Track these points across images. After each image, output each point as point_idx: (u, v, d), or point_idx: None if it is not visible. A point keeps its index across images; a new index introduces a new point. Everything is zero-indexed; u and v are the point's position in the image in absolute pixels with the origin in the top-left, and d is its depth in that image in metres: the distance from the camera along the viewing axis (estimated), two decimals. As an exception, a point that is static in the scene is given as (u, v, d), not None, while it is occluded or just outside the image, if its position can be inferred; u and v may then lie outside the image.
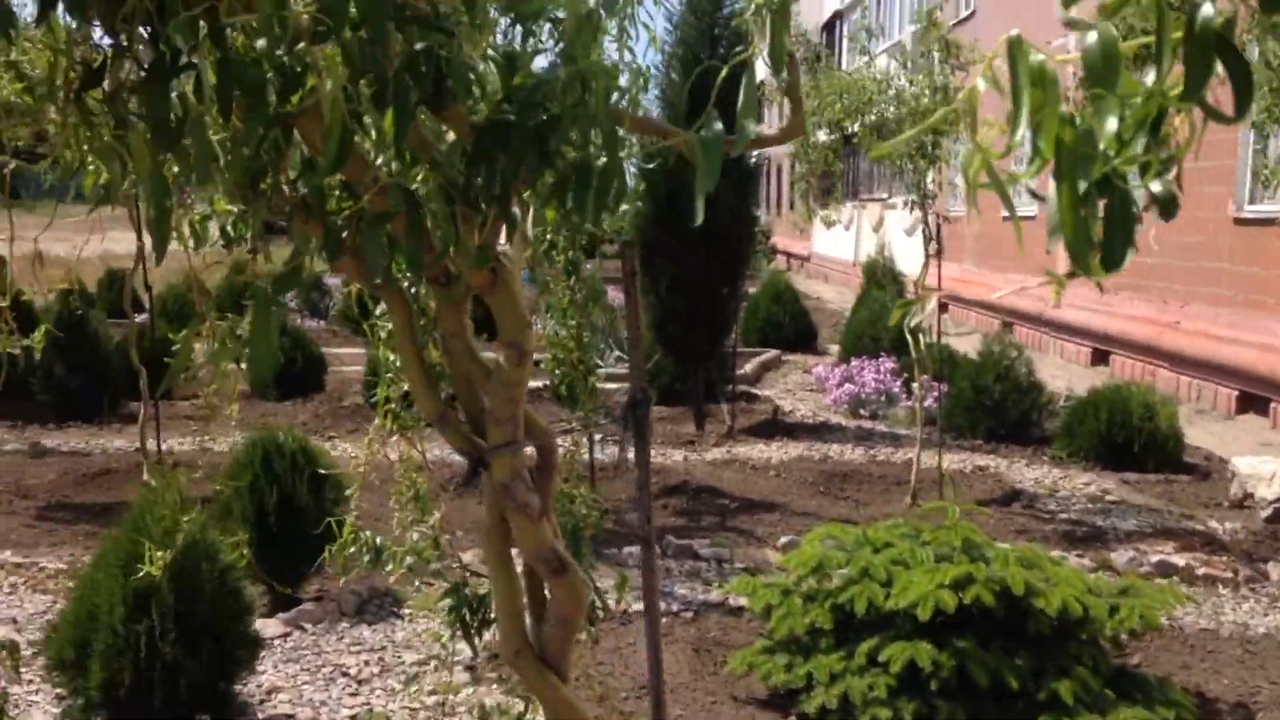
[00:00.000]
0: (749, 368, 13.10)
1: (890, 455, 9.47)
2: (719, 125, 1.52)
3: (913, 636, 4.38)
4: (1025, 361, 10.07)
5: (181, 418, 10.36)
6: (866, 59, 8.24)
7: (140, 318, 9.26)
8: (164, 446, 8.21)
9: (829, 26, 29.89)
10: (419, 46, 1.57)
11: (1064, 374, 13.26)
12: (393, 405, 2.83)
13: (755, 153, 11.31)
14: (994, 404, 9.90)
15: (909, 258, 19.20)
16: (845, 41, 26.38)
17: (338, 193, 1.89)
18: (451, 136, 1.84)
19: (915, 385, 10.61)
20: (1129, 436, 8.83)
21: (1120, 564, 6.40)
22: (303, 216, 1.88)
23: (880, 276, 15.56)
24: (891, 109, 7.03)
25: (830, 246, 28.09)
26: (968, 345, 12.65)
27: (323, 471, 5.99)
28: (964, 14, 19.03)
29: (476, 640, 3.02)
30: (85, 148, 1.79)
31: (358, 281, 2.03)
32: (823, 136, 8.57)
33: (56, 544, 6.78)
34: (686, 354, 10.53)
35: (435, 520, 2.68)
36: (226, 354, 1.73)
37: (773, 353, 14.57)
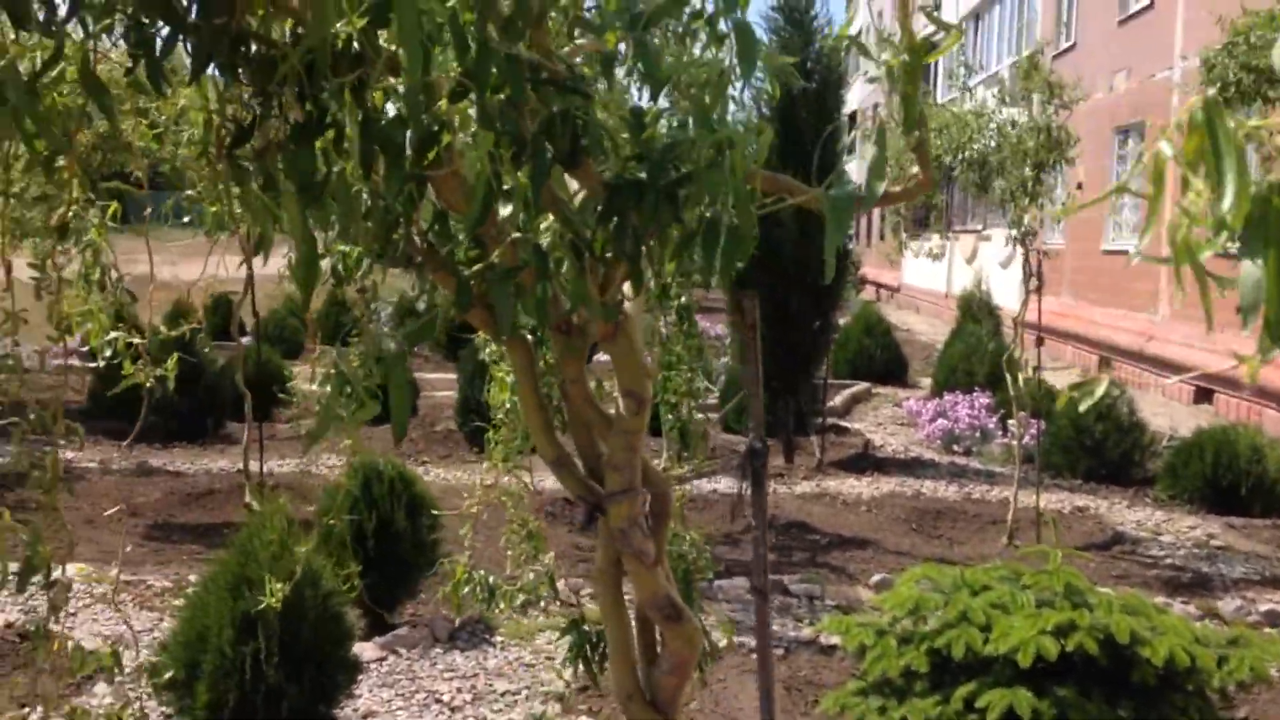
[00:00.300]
0: (839, 400, 13.00)
1: (985, 493, 9.31)
2: (850, 185, 1.53)
3: (1012, 683, 4.29)
4: (1127, 400, 9.84)
5: (281, 439, 10.63)
6: (964, 92, 8.16)
7: (244, 340, 9.53)
8: (265, 468, 8.43)
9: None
10: (556, 109, 1.61)
11: (1165, 412, 12.91)
12: (503, 443, 2.88)
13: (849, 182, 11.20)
14: (1094, 443, 9.68)
15: (1005, 290, 18.91)
16: (940, 74, 26.18)
17: (465, 243, 1.94)
18: (571, 186, 1.89)
19: (1012, 421, 10.44)
20: (1236, 479, 8.56)
21: (1227, 612, 6.20)
22: (433, 266, 1.94)
23: (976, 310, 15.33)
24: (993, 142, 6.95)
25: (921, 277, 27.78)
26: (1065, 381, 12.40)
27: (422, 502, 6.09)
28: (1064, 46, 18.75)
29: (574, 672, 3.04)
30: (235, 202, 1.86)
31: (484, 330, 2.08)
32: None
33: (162, 563, 6.98)
34: (777, 386, 10.49)
35: (549, 559, 2.71)
36: (365, 414, 1.78)
37: (863, 385, 14.44)
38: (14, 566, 2.35)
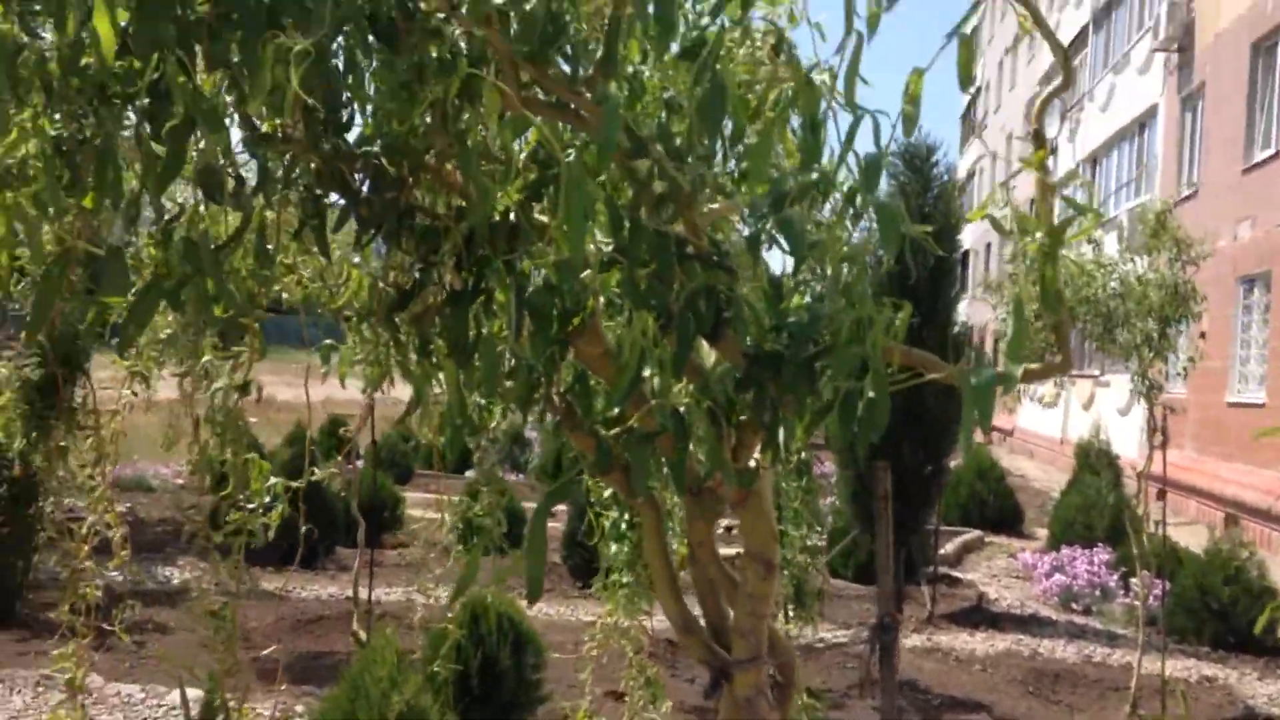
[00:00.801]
0: (949, 548, 12.66)
1: (1106, 656, 8.91)
2: (990, 370, 1.55)
3: None
4: (1257, 563, 9.38)
5: (389, 566, 10.75)
6: (1089, 245, 8.10)
7: (358, 464, 9.74)
8: (373, 595, 8.52)
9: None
10: (702, 284, 1.68)
11: (1299, 576, 12.24)
12: (622, 588, 2.89)
13: (960, 321, 11.11)
14: (1221, 608, 9.22)
15: (1124, 438, 18.35)
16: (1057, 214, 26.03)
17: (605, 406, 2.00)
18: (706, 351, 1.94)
19: (1134, 580, 10.01)
20: (1380, 655, 8.03)
21: (1379, 803, 5.76)
22: (570, 425, 2.00)
23: (1094, 460, 14.89)
24: (1116, 292, 6.84)
25: (1036, 421, 27.16)
26: (1190, 537, 11.90)
27: (528, 640, 6.08)
28: (1185, 193, 18.55)
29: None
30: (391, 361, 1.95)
31: (616, 488, 2.12)
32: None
33: (270, 690, 7.05)
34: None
35: (667, 708, 2.68)
36: (506, 573, 1.82)
37: (975, 533, 14.05)
38: (173, 694, 2.41)
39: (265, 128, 1.88)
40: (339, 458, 7.04)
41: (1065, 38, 25.16)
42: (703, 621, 2.13)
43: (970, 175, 39.80)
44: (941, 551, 11.67)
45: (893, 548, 2.49)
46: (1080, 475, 14.30)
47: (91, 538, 4.32)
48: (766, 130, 1.84)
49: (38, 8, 1.59)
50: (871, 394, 1.62)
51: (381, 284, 1.94)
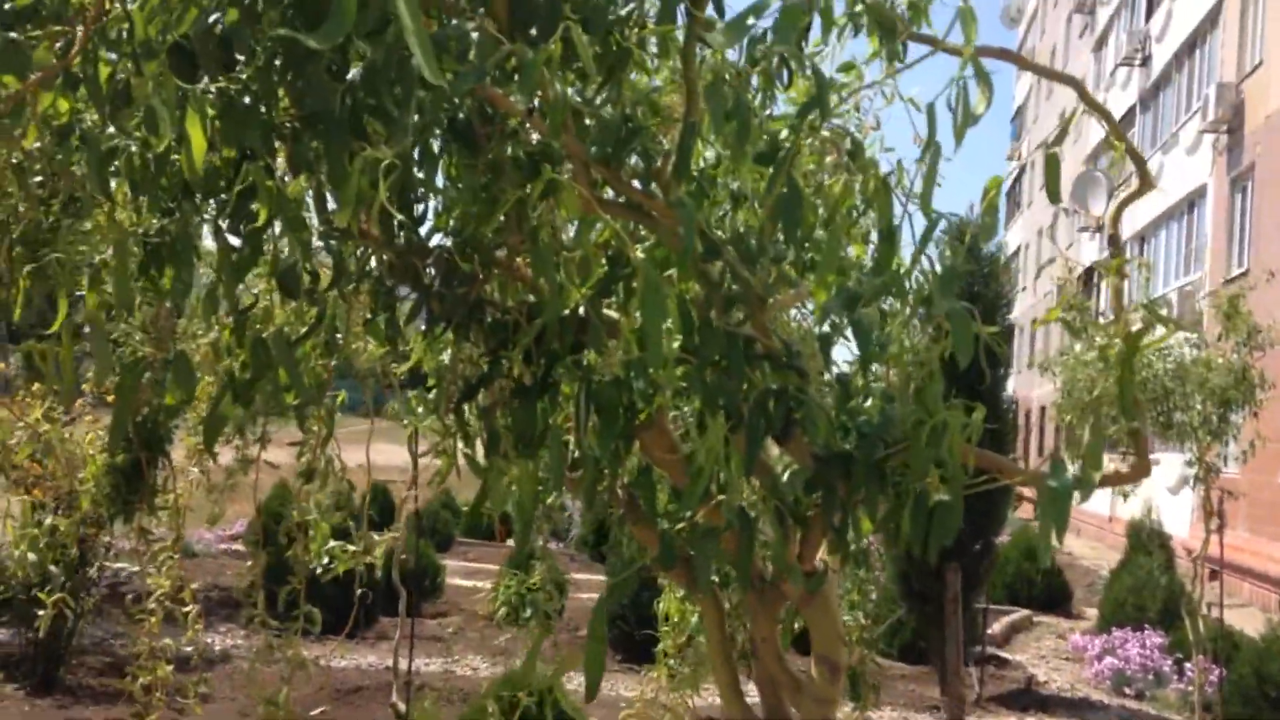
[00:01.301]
0: (997, 628, 12.42)
1: (1160, 743, 8.65)
2: (1068, 475, 1.53)
3: None
4: (1318, 650, 9.11)
5: (429, 637, 10.69)
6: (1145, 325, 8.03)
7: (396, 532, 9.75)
8: (413, 666, 8.47)
9: (1087, 275, 29.39)
10: (773, 385, 1.68)
11: (1360, 663, 11.87)
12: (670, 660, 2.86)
13: (1008, 397, 10.98)
14: (1279, 695, 8.95)
15: (1175, 518, 18.00)
16: (1104, 292, 25.83)
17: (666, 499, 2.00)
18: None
19: (1189, 665, 9.75)
20: None
21: None
22: (633, 518, 1.99)
23: (1146, 540, 14.62)
24: (1170, 373, 6.74)
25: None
26: (1244, 620, 11.60)
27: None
28: (1236, 271, 18.36)
29: None
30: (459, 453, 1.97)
31: (677, 582, 2.10)
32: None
33: (312, 760, 7.01)
34: (932, 610, 10.10)
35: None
36: (565, 667, 1.81)
37: (1023, 613, 13.78)
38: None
39: (340, 222, 1.92)
40: (393, 528, 7.07)
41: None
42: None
43: (1016, 252, 39.72)
44: (989, 631, 11.44)
45: (961, 654, 2.45)
46: (1132, 555, 14.02)
47: (161, 609, 4.37)
48: (836, 229, 1.85)
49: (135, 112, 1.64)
50: (945, 497, 1.61)
51: (450, 376, 1.96)
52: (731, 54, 1.97)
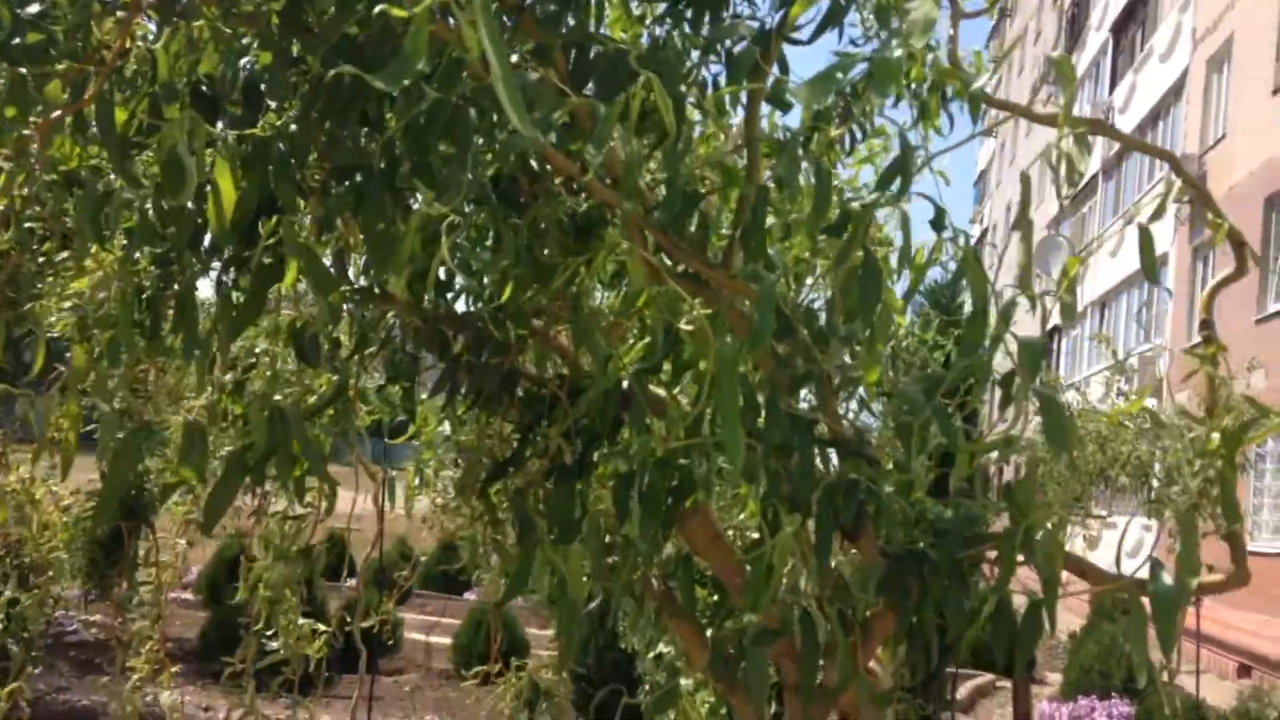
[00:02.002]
0: (962, 693, 12.26)
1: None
2: (1169, 584, 1.40)
3: None
4: (1289, 725, 9.04)
5: (388, 697, 10.35)
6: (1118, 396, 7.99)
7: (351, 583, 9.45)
8: (371, 728, 8.16)
9: (1048, 336, 29.72)
10: (843, 475, 1.53)
11: (1323, 736, 11.84)
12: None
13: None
14: (1252, 770, 8.86)
15: (1133, 583, 17.98)
16: (1064, 354, 26.07)
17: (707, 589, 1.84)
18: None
19: (1158, 737, 9.65)
20: None
21: None
22: (670, 612, 1.83)
23: (1110, 606, 14.57)
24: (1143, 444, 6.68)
25: (1038, 559, 26.77)
26: (1206, 688, 11.53)
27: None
28: (1195, 340, 18.56)
29: None
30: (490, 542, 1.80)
31: (714, 684, 1.93)
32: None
33: (264, 829, 6.69)
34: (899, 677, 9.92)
35: None
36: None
37: (987, 677, 13.63)
38: None
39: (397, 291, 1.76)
40: (357, 585, 6.82)
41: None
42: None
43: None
44: (956, 696, 11.28)
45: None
46: (1095, 620, 13.96)
47: (140, 681, 4.09)
48: (889, 303, 1.72)
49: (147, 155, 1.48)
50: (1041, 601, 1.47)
51: (478, 455, 1.80)
52: (782, 118, 1.86)
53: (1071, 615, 18.40)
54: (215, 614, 10.76)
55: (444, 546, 18.37)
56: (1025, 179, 1.54)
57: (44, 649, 8.88)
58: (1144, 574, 1.58)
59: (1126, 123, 23.88)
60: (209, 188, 1.35)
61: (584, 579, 1.66)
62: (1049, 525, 1.45)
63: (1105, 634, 12.78)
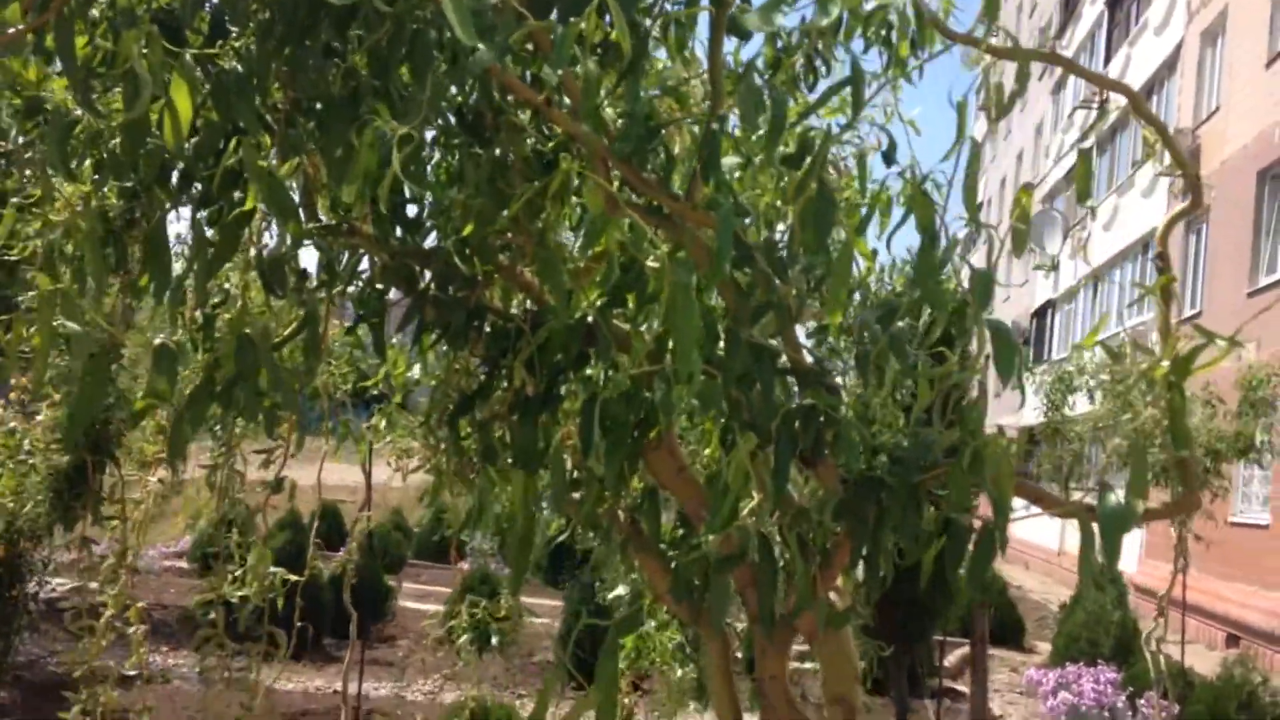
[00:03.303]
0: (950, 660, 12.35)
1: (1118, 782, 8.59)
2: (1115, 498, 1.43)
3: None
4: (1271, 690, 9.12)
5: (378, 662, 10.42)
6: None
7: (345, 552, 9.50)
8: (362, 690, 8.23)
9: (1040, 313, 29.72)
10: (802, 403, 1.55)
11: (1307, 703, 11.95)
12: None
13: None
14: (1234, 734, 8.94)
15: (1125, 553, 18.08)
16: (1058, 329, 26.09)
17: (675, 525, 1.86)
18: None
19: (1142, 701, 9.73)
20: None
21: None
22: (638, 546, 1.85)
23: (1099, 576, 14.67)
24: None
25: (1032, 532, 26.88)
26: (1192, 657, 11.63)
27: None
28: (1189, 313, 18.60)
29: None
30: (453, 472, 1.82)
31: (686, 619, 1.96)
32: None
33: (253, 788, 6.75)
34: (888, 641, 9.99)
35: None
36: (581, 709, 1.67)
37: (976, 646, 13.71)
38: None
39: (328, 219, 1.78)
40: (348, 549, 6.86)
41: (1069, 160, 25.52)
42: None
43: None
44: (944, 663, 11.37)
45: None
46: (1085, 591, 14.05)
47: (109, 632, 4.09)
48: (850, 237, 1.73)
49: (111, 86, 1.49)
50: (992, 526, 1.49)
51: (444, 387, 1.82)
52: (747, 51, 1.86)
53: (1062, 588, 18.50)
54: (210, 583, 10.82)
55: (437, 518, 18.44)
56: (962, 104, 1.56)
57: (37, 614, 8.93)
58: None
59: (1121, 96, 23.78)
60: (168, 110, 1.37)
61: (540, 510, 1.68)
62: (999, 447, 1.47)
63: (1094, 603, 12.87)
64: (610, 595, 2.36)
